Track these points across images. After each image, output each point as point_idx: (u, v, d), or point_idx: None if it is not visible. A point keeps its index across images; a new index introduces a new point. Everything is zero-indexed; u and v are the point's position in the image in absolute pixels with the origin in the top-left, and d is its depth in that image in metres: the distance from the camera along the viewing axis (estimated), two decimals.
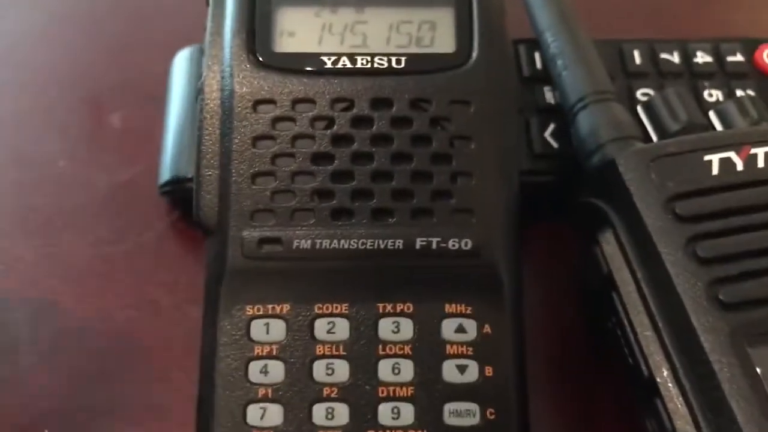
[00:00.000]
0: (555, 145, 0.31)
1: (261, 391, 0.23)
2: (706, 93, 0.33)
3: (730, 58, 0.34)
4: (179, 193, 0.32)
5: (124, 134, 0.36)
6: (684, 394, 0.23)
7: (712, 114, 0.29)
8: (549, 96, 0.32)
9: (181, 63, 0.34)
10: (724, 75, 0.33)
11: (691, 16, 0.40)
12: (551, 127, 0.32)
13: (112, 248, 0.33)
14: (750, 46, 0.34)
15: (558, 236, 0.29)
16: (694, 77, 0.33)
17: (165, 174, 0.32)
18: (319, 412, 0.23)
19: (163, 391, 0.29)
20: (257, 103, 0.25)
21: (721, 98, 0.33)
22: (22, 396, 0.29)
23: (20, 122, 0.36)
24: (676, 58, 0.34)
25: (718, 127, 0.29)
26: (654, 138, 0.29)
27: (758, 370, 0.21)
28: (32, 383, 0.29)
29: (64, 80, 0.37)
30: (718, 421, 0.22)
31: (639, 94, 0.33)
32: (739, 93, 0.33)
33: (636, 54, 0.34)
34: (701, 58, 0.34)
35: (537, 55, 0.33)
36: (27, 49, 0.39)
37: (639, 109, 0.30)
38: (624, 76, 0.33)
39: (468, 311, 0.24)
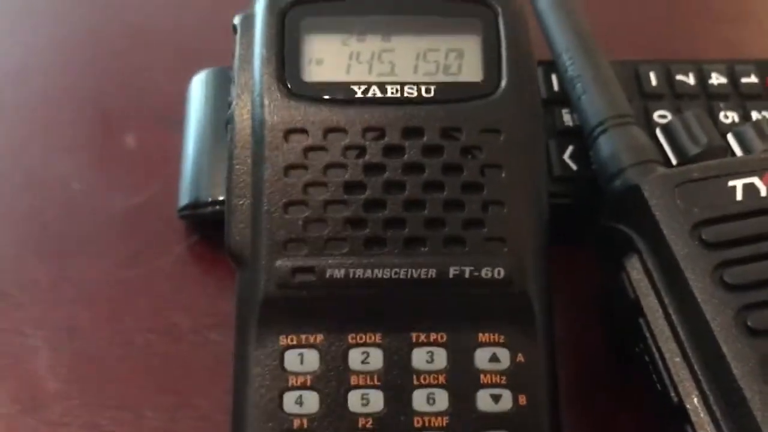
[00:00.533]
0: (574, 167, 0.32)
1: (296, 422, 0.23)
2: (721, 114, 0.33)
3: (744, 80, 0.34)
4: (198, 217, 0.33)
5: (137, 155, 0.36)
6: (715, 420, 0.23)
7: (730, 137, 0.30)
8: (567, 118, 0.33)
9: (197, 86, 0.35)
10: (738, 96, 0.34)
11: (700, 36, 0.40)
12: (570, 149, 0.32)
13: (128, 272, 0.33)
14: (764, 67, 0.35)
15: (576, 259, 0.29)
16: (709, 98, 0.34)
17: (184, 198, 0.32)
18: None
19: (187, 419, 0.29)
20: (289, 132, 0.25)
21: (736, 120, 0.33)
22: (46, 423, 0.29)
23: (34, 144, 0.36)
24: (691, 79, 0.34)
25: (737, 149, 0.29)
26: (673, 161, 0.29)
27: None
28: (55, 410, 0.29)
29: (77, 101, 0.38)
30: None
31: (656, 115, 0.33)
32: (754, 114, 0.33)
33: (652, 75, 0.34)
34: (716, 79, 0.34)
35: (554, 77, 0.33)
36: (40, 70, 0.39)
37: (658, 131, 0.30)
38: (640, 98, 0.34)
39: (501, 340, 0.24)
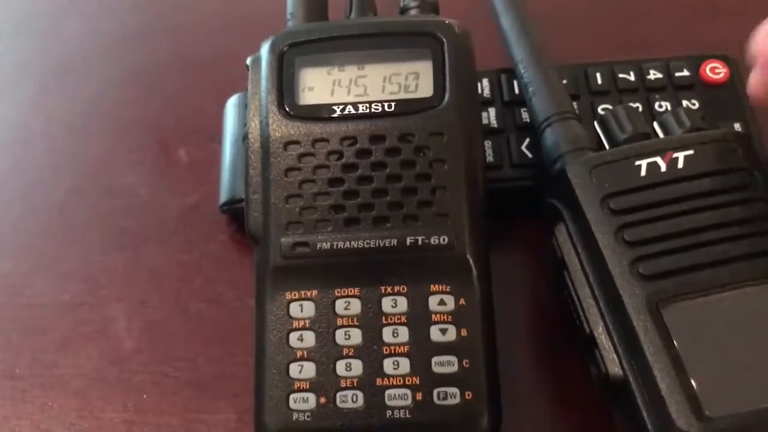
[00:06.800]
0: (530, 155, 0.37)
1: (299, 353, 0.30)
2: (657, 104, 0.38)
3: (677, 74, 0.39)
4: (235, 211, 0.38)
5: (189, 166, 0.42)
6: (614, 344, 0.28)
7: (656, 124, 0.34)
8: (525, 116, 0.38)
9: (231, 108, 0.41)
10: (672, 88, 0.39)
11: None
12: (527, 141, 0.38)
13: (184, 256, 0.39)
14: (695, 62, 0.39)
15: (540, 227, 0.33)
16: (647, 92, 0.39)
17: (224, 196, 0.38)
18: (340, 366, 0.29)
19: (231, 364, 0.35)
20: (287, 144, 0.31)
21: (670, 108, 0.38)
22: (125, 371, 0.36)
23: (110, 161, 0.43)
24: (632, 76, 0.39)
25: (660, 134, 0.34)
26: (607, 147, 0.34)
27: (667, 324, 0.27)
28: (131, 362, 0.36)
29: (140, 124, 0.44)
30: (636, 362, 0.27)
31: (600, 109, 0.38)
32: (685, 103, 0.38)
33: (598, 75, 0.39)
34: (653, 75, 0.39)
35: (515, 83, 0.38)
36: (111, 101, 0.45)
37: (595, 123, 0.35)
38: (588, 94, 0.39)
39: (447, 289, 0.30)
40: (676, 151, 0.31)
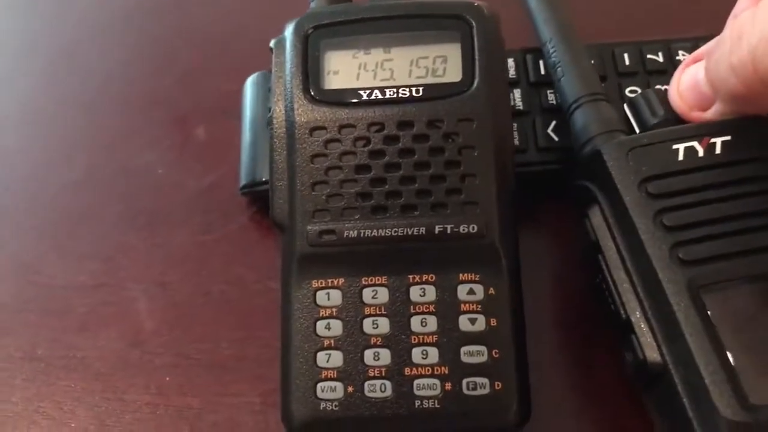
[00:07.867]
0: (556, 138, 0.37)
1: (326, 342, 0.29)
2: None
3: None
4: (256, 193, 0.38)
5: (207, 145, 0.42)
6: (652, 330, 0.28)
7: None
8: (551, 98, 0.37)
9: (250, 87, 0.40)
10: None
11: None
12: (553, 123, 0.37)
13: (204, 237, 0.39)
14: None
15: (566, 212, 0.34)
16: None
17: (244, 178, 0.38)
18: (368, 355, 0.29)
19: (253, 347, 0.35)
20: (313, 129, 0.30)
21: None
22: (147, 353, 0.36)
23: (126, 140, 0.42)
24: (660, 57, 0.38)
25: None
26: (637, 130, 0.33)
27: (708, 311, 0.27)
28: (153, 344, 0.36)
29: (156, 102, 0.44)
30: (676, 349, 0.27)
31: (628, 91, 0.38)
32: None
33: (626, 56, 0.39)
34: (683, 55, 0.38)
35: (541, 63, 0.38)
36: (124, 78, 0.45)
37: (625, 105, 0.34)
38: (615, 76, 0.38)
39: (476, 278, 0.30)
40: (714, 137, 0.30)
